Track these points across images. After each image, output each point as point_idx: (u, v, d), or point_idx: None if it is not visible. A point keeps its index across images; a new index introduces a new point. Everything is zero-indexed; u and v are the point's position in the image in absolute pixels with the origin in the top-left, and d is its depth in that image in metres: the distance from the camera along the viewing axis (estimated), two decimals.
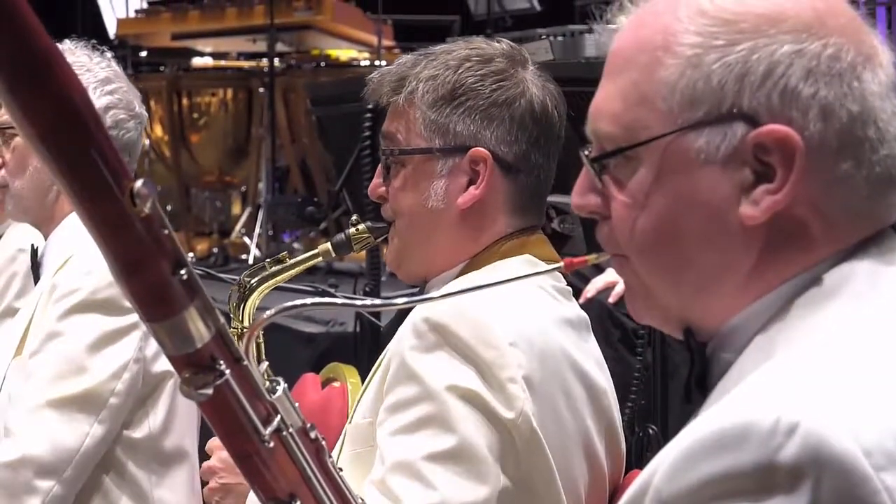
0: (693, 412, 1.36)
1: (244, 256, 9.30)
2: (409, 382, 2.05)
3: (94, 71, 2.87)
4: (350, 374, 2.98)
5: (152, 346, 2.79)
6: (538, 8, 8.15)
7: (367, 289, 5.48)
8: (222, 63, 10.68)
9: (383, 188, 2.29)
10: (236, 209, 10.20)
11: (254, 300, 2.42)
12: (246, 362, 1.29)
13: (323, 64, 10.03)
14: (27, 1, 1.12)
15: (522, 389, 2.03)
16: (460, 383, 2.02)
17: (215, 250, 9.41)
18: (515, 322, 2.07)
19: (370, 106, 4.66)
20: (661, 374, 3.98)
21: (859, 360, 1.23)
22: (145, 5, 10.71)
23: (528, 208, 2.26)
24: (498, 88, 2.21)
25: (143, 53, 10.77)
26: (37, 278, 2.95)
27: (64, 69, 1.14)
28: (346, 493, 1.42)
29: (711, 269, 1.34)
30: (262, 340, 2.49)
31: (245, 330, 2.41)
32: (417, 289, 2.39)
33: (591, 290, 4.20)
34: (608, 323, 4.19)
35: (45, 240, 2.94)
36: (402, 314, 2.41)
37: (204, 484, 2.46)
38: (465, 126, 2.21)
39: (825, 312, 1.29)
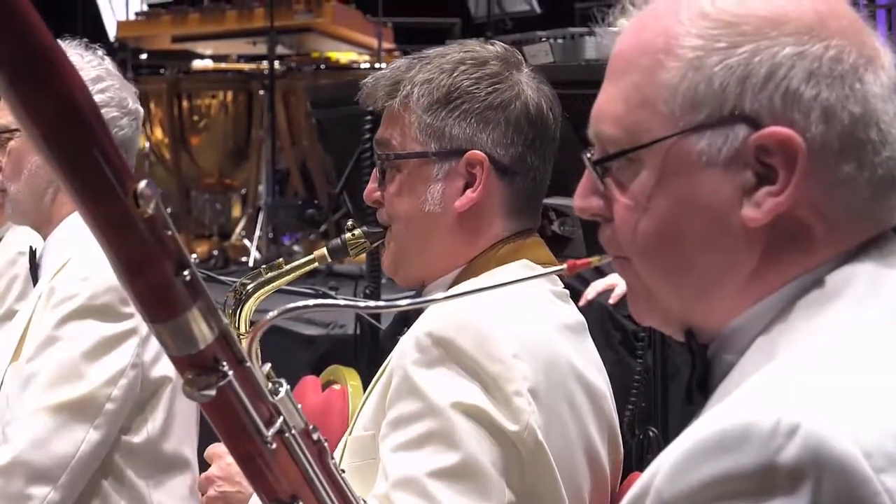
0: (694, 414, 1.36)
1: (244, 259, 9.30)
2: (412, 397, 2.04)
3: (85, 70, 2.86)
4: (350, 376, 2.98)
5: (150, 351, 2.79)
6: (538, 10, 8.15)
7: (367, 291, 5.48)
8: (222, 65, 10.68)
9: (378, 193, 2.28)
10: (236, 212, 10.20)
11: (250, 306, 2.42)
12: (249, 363, 1.29)
13: (323, 66, 10.03)
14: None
15: (528, 402, 2.03)
16: (464, 399, 2.02)
17: (215, 253, 9.41)
18: (518, 333, 2.07)
19: (370, 108, 4.65)
20: (662, 377, 3.98)
21: (860, 362, 1.23)
22: (145, 8, 10.71)
23: (525, 211, 2.26)
24: (493, 91, 2.21)
25: (144, 56, 10.77)
26: (35, 280, 2.95)
27: (67, 68, 1.14)
28: (349, 494, 1.43)
29: (713, 271, 1.34)
30: (258, 345, 2.48)
31: (241, 336, 2.40)
32: (418, 290, 2.39)
33: (591, 292, 4.20)
34: (608, 325, 4.19)
35: (44, 242, 2.94)
36: (402, 317, 2.42)
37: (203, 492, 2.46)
38: (460, 129, 2.21)
39: (827, 314, 1.29)
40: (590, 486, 2.15)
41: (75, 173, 1.16)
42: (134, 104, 2.94)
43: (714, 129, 1.32)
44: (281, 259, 2.44)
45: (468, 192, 2.22)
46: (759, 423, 1.17)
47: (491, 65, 2.23)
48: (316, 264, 2.40)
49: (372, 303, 1.53)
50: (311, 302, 1.47)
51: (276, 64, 9.51)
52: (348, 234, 2.35)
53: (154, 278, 1.20)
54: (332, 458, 1.42)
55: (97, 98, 2.82)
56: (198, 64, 10.62)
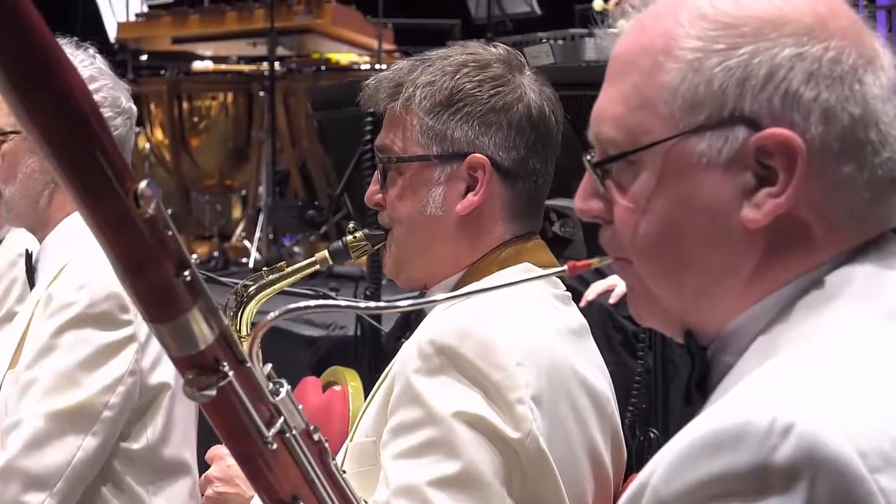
0: (693, 415, 1.37)
1: (244, 260, 9.31)
2: (414, 405, 2.04)
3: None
4: (351, 377, 2.99)
5: (148, 357, 2.78)
6: (538, 12, 8.16)
7: (367, 292, 5.47)
8: (223, 67, 10.69)
9: (380, 195, 2.28)
10: (236, 213, 10.20)
11: (251, 308, 2.42)
12: (249, 364, 1.29)
13: (323, 68, 10.03)
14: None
15: (531, 409, 2.02)
16: (467, 408, 2.01)
17: (215, 254, 9.41)
18: (521, 339, 2.07)
19: (371, 110, 4.66)
20: (662, 378, 3.98)
21: (858, 362, 1.24)
22: (146, 9, 10.71)
23: (527, 214, 2.26)
24: (495, 94, 2.20)
25: (144, 57, 10.78)
26: (32, 283, 2.94)
27: (68, 68, 1.14)
28: (350, 495, 1.43)
29: (713, 272, 1.34)
30: (259, 346, 2.48)
31: (243, 338, 2.40)
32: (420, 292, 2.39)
33: (591, 293, 4.20)
34: (609, 327, 4.19)
35: (40, 244, 2.94)
36: (403, 321, 2.41)
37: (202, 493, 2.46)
38: (462, 132, 2.21)
39: (826, 315, 1.29)
40: (593, 491, 2.15)
41: (76, 173, 1.16)
42: (127, 103, 2.92)
43: (714, 130, 1.32)
44: (283, 262, 2.44)
45: (470, 195, 2.21)
46: (754, 422, 1.17)
47: (493, 67, 2.22)
48: (317, 266, 2.40)
49: (373, 304, 1.53)
50: (312, 303, 1.48)
51: (277, 65, 9.52)
52: (350, 237, 2.35)
53: (155, 278, 1.20)
54: (333, 458, 1.42)
55: None
56: (198, 65, 10.62)
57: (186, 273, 1.21)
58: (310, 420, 1.38)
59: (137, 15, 10.65)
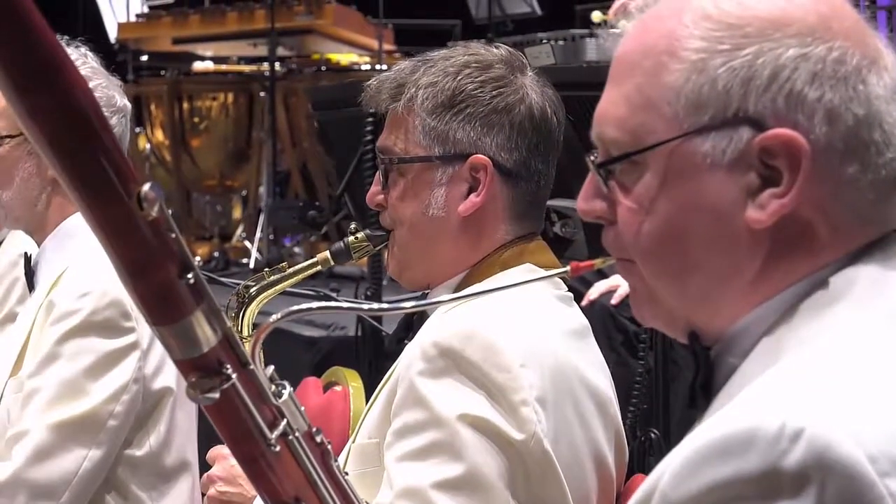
0: (696, 416, 1.36)
1: (245, 260, 9.31)
2: (418, 407, 2.04)
3: None
4: (351, 377, 2.98)
5: (151, 363, 2.78)
6: (539, 12, 8.15)
7: (368, 293, 5.47)
8: (223, 67, 10.69)
9: (381, 196, 2.28)
10: (237, 213, 10.21)
11: (252, 309, 2.42)
12: (252, 366, 1.29)
13: (324, 68, 10.03)
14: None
15: (535, 411, 2.02)
16: (470, 411, 2.01)
17: (216, 254, 9.42)
18: (524, 341, 2.06)
19: (373, 111, 4.66)
20: (664, 378, 3.98)
21: (864, 365, 1.23)
22: (146, 9, 10.71)
23: (528, 214, 2.26)
24: (498, 95, 2.20)
25: (144, 58, 10.78)
26: (31, 286, 2.93)
27: (70, 70, 1.14)
28: (352, 497, 1.42)
29: (717, 273, 1.34)
30: (261, 347, 2.48)
31: (244, 339, 2.40)
32: (421, 293, 2.39)
33: (593, 293, 4.20)
34: (610, 327, 4.19)
35: (39, 247, 2.93)
36: (406, 322, 2.41)
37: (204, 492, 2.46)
38: (465, 133, 2.20)
39: (831, 316, 1.29)
40: (597, 493, 2.14)
41: (79, 176, 1.16)
42: (122, 100, 2.91)
43: (718, 130, 1.32)
44: (284, 263, 2.44)
45: (472, 196, 2.21)
46: (763, 427, 1.17)
47: (495, 68, 2.22)
48: (319, 267, 2.40)
49: (375, 305, 1.53)
50: (314, 305, 1.47)
51: (277, 65, 9.52)
52: (352, 238, 2.35)
53: (158, 281, 1.20)
54: (336, 460, 1.42)
55: None
56: (198, 65, 10.62)
57: (190, 276, 1.20)
58: (311, 420, 1.38)
59: (138, 15, 10.65)
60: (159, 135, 9.97)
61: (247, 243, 9.57)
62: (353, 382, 2.98)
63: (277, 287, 2.41)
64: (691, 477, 1.19)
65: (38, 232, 2.92)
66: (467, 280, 2.23)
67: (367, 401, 2.59)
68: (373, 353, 5.24)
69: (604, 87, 1.42)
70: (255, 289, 2.40)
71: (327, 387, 3.06)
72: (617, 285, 4.07)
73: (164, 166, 10.00)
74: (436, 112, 2.20)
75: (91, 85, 2.86)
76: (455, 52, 2.27)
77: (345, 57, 10.22)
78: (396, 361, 2.16)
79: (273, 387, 1.33)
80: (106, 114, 2.82)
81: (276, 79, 9.34)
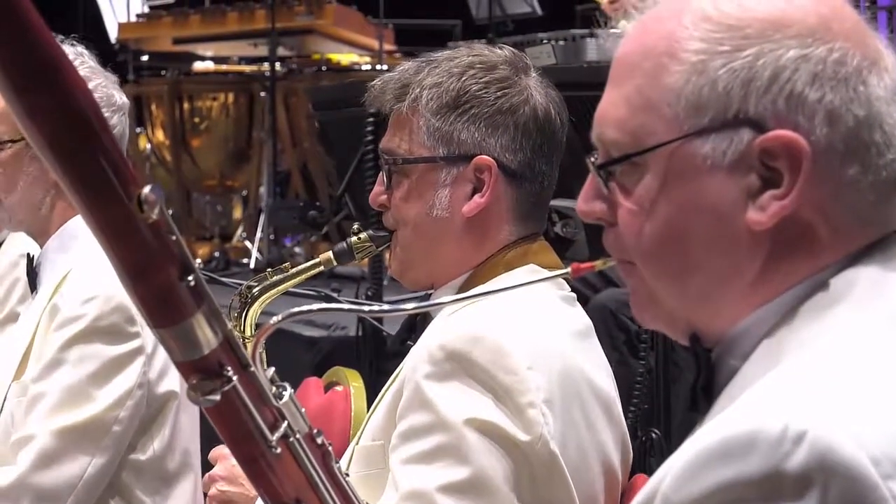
0: (698, 418, 1.36)
1: (245, 261, 9.31)
2: (424, 410, 2.04)
3: None
4: (352, 377, 2.98)
5: (155, 368, 2.78)
6: (539, 12, 8.14)
7: (369, 293, 5.47)
8: (223, 67, 10.69)
9: (384, 196, 2.27)
10: (237, 213, 10.21)
11: (255, 310, 2.41)
12: (253, 368, 1.29)
13: (324, 68, 10.03)
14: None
15: (542, 414, 2.02)
16: (477, 415, 2.01)
17: (216, 254, 9.42)
18: (531, 343, 2.06)
19: (372, 110, 4.66)
20: (665, 378, 3.98)
21: (865, 367, 1.23)
22: (146, 9, 10.71)
23: (532, 215, 2.26)
24: (502, 96, 2.20)
25: (145, 58, 10.78)
26: (33, 287, 2.93)
27: (70, 72, 1.14)
28: (353, 498, 1.42)
29: (718, 275, 1.34)
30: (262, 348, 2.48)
31: (246, 339, 2.40)
32: (422, 293, 2.39)
33: None
34: (612, 326, 4.19)
35: (41, 249, 2.93)
36: (409, 323, 2.41)
37: (206, 492, 2.45)
38: (469, 134, 2.20)
39: (831, 318, 1.29)
40: (604, 493, 2.14)
41: (79, 178, 1.16)
42: (120, 98, 2.90)
43: (718, 132, 1.32)
44: (287, 264, 2.44)
45: (476, 197, 2.21)
46: (765, 429, 1.17)
47: (500, 69, 2.22)
48: (321, 268, 2.40)
49: (377, 307, 1.53)
50: (315, 306, 1.47)
51: (277, 66, 9.52)
52: (354, 238, 2.35)
53: (158, 283, 1.20)
54: (337, 462, 1.42)
55: None
56: (199, 66, 10.63)
57: (190, 278, 1.20)
58: (311, 420, 1.38)
59: (138, 15, 10.65)
60: (160, 135, 9.97)
61: (247, 243, 9.57)
62: (354, 382, 2.97)
63: (280, 287, 2.41)
64: (693, 480, 1.19)
65: (41, 235, 2.91)
66: (471, 281, 2.23)
67: (367, 401, 2.60)
68: (373, 354, 5.24)
69: (604, 87, 1.42)
70: (257, 289, 2.40)
71: (328, 387, 3.06)
72: None
73: (165, 166, 10.00)
74: (440, 113, 2.20)
75: (91, 85, 2.85)
76: (459, 52, 2.27)
77: (345, 57, 10.22)
78: (402, 364, 2.16)
79: (273, 388, 1.33)
80: (106, 113, 2.83)
81: (277, 79, 9.34)
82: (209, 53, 10.79)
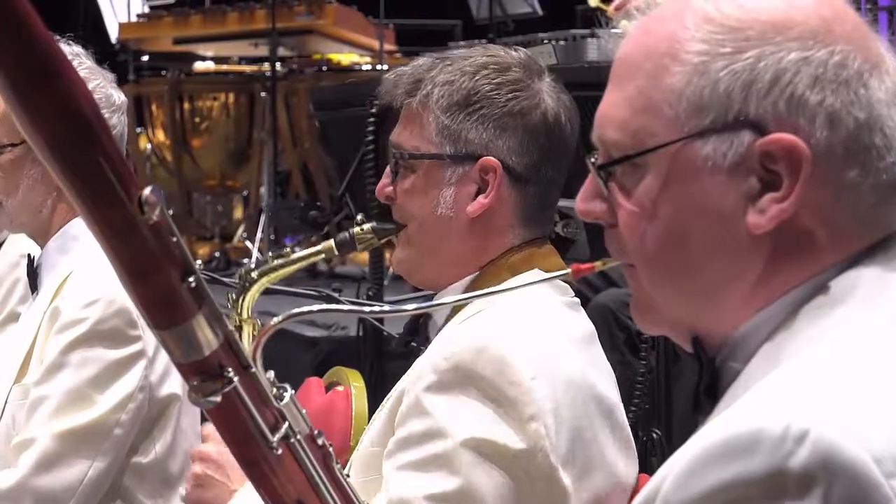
0: (699, 418, 1.36)
1: (245, 261, 9.29)
2: (422, 419, 2.03)
3: None
4: (353, 377, 2.98)
5: (157, 371, 2.78)
6: (540, 12, 8.14)
7: (370, 293, 5.47)
8: (224, 67, 10.69)
9: (391, 188, 2.27)
10: (238, 213, 10.21)
11: (254, 293, 2.41)
12: (254, 369, 1.29)
13: (325, 68, 10.03)
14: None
15: (544, 426, 2.01)
16: (475, 431, 2.00)
17: (217, 254, 9.42)
18: (536, 354, 2.05)
19: (373, 111, 4.67)
20: (666, 378, 3.98)
21: (867, 367, 1.23)
22: (147, 10, 10.71)
23: (538, 219, 2.25)
24: (513, 98, 2.19)
25: (145, 58, 10.78)
26: (34, 288, 2.93)
27: (70, 74, 1.14)
28: (354, 499, 1.42)
29: (718, 278, 1.34)
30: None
31: (243, 321, 2.40)
32: (423, 293, 2.38)
33: None
34: (613, 326, 4.19)
35: (41, 248, 2.93)
36: (411, 325, 2.40)
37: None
38: (477, 134, 2.20)
39: (832, 320, 1.29)
40: (612, 501, 2.14)
41: (80, 180, 1.16)
42: (119, 97, 2.90)
43: (719, 134, 1.32)
44: (288, 249, 2.44)
45: (480, 197, 2.20)
46: (768, 428, 1.17)
47: (513, 71, 2.21)
48: (323, 255, 2.39)
49: (377, 308, 1.53)
50: (316, 307, 1.47)
51: (278, 66, 9.51)
52: (357, 229, 2.34)
53: (159, 285, 1.20)
54: (337, 463, 1.42)
55: None
56: (199, 66, 10.63)
57: (191, 279, 1.20)
58: (312, 420, 1.38)
59: (139, 16, 10.65)
60: (160, 135, 9.97)
61: (248, 243, 9.56)
62: (355, 382, 2.97)
63: (280, 272, 2.41)
64: (695, 479, 1.19)
65: (42, 237, 2.91)
66: (476, 282, 2.22)
67: (368, 401, 2.59)
68: (374, 354, 5.24)
69: (605, 87, 1.42)
70: (257, 272, 2.40)
71: (329, 387, 3.06)
72: None
73: (165, 166, 10.00)
74: (450, 110, 2.20)
75: (90, 86, 2.83)
76: (474, 51, 2.26)
77: (346, 57, 10.22)
78: (407, 372, 2.15)
79: (274, 389, 1.33)
80: (106, 114, 2.82)
81: (277, 79, 9.34)
82: (210, 53, 10.79)
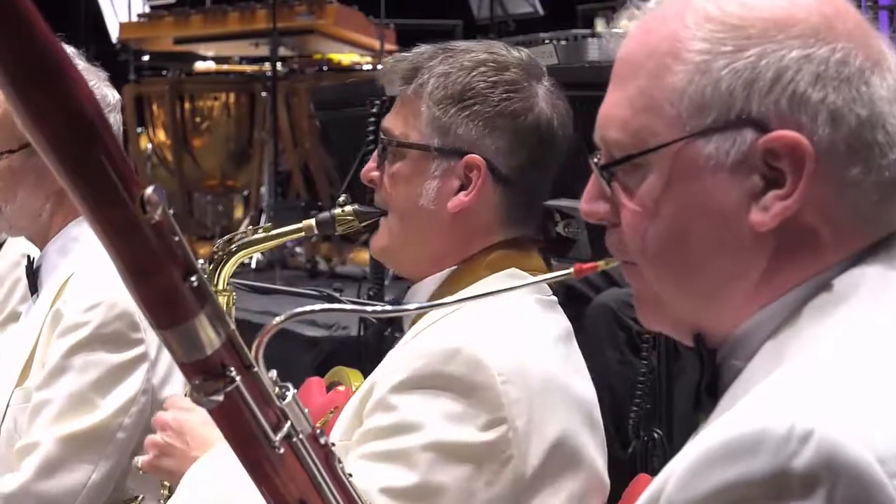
0: (700, 417, 1.36)
1: (246, 260, 9.29)
2: (390, 414, 2.03)
3: None
4: (354, 377, 2.98)
5: (159, 373, 2.78)
6: (541, 12, 8.15)
7: (371, 293, 5.47)
8: (225, 67, 10.69)
9: (376, 173, 2.27)
10: (238, 213, 10.20)
11: (231, 265, 2.42)
12: (256, 369, 1.29)
13: (325, 68, 10.03)
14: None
15: (512, 430, 2.00)
16: (443, 431, 1.99)
17: None
18: (509, 356, 2.05)
19: (374, 110, 4.67)
20: (667, 377, 3.97)
21: (871, 366, 1.23)
22: (148, 9, 10.71)
23: (521, 220, 2.24)
24: (507, 99, 2.18)
25: (146, 57, 10.78)
26: (33, 289, 2.93)
27: (72, 74, 1.14)
28: (356, 499, 1.42)
29: (721, 276, 1.34)
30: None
31: (220, 292, 2.40)
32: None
33: None
34: (614, 326, 4.19)
35: (41, 250, 2.92)
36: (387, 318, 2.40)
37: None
38: (466, 130, 2.19)
39: (835, 318, 1.29)
40: (591, 500, 2.13)
41: (82, 180, 1.16)
42: (113, 96, 2.89)
43: (721, 132, 1.32)
44: (269, 224, 2.44)
45: (461, 194, 2.19)
46: (772, 428, 1.17)
47: (511, 71, 2.20)
48: (302, 234, 2.39)
49: (379, 307, 1.53)
50: (317, 307, 1.47)
51: (279, 65, 9.51)
52: (339, 210, 2.33)
53: (161, 284, 1.20)
54: (340, 462, 1.42)
55: None
56: (200, 65, 10.62)
57: (193, 278, 1.20)
58: (314, 420, 1.38)
59: (139, 15, 10.64)
60: (161, 135, 9.97)
61: None
62: (356, 382, 2.98)
63: (259, 246, 2.42)
64: (698, 480, 1.19)
65: (42, 241, 2.91)
66: (453, 277, 2.21)
67: None
68: (375, 354, 5.23)
69: (606, 86, 1.42)
70: (235, 245, 2.40)
71: (330, 387, 3.06)
72: None
73: (166, 166, 9.99)
74: (443, 103, 2.19)
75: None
76: (477, 46, 2.25)
77: (346, 57, 10.22)
78: (379, 365, 2.15)
79: (276, 389, 1.33)
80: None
81: (278, 79, 9.34)
82: (210, 53, 10.79)
